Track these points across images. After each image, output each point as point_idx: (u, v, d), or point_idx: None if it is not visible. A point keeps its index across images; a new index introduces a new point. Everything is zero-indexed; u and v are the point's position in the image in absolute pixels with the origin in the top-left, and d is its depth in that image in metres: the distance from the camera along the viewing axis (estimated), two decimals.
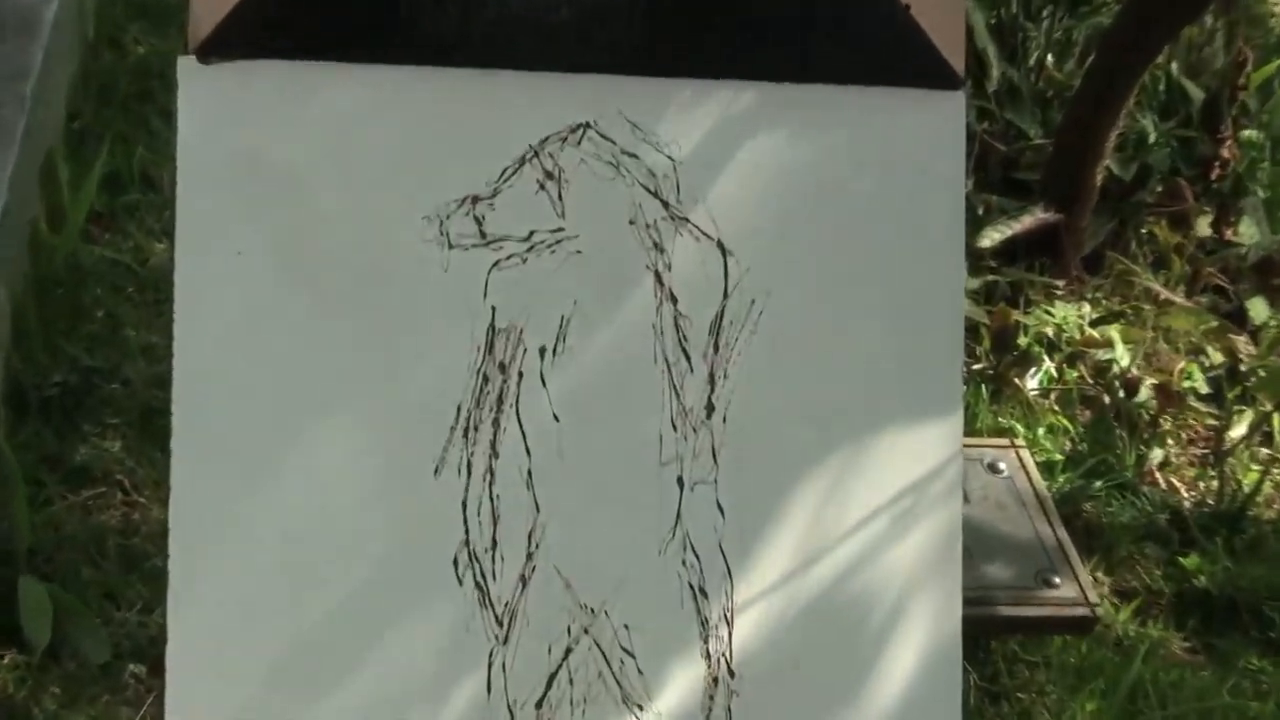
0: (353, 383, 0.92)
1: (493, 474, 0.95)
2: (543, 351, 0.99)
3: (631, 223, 0.99)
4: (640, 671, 0.89)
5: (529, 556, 0.93)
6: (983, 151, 2.25)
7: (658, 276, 1.00)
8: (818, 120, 0.98)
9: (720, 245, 1.00)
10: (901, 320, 0.97)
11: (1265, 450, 1.79)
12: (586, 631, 0.89)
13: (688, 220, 1.00)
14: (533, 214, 0.98)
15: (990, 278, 2.03)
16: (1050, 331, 1.93)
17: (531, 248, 0.98)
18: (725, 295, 1.00)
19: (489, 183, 0.99)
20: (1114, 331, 1.87)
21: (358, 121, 0.94)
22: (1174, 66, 2.15)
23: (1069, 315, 1.93)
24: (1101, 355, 1.86)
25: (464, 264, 0.98)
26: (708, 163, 1.00)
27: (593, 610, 0.89)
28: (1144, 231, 2.07)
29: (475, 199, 0.98)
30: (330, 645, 0.85)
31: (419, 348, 0.93)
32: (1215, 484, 1.74)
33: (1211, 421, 1.83)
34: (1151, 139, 2.10)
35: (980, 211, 2.31)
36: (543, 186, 0.99)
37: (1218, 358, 1.84)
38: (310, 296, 0.91)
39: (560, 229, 0.99)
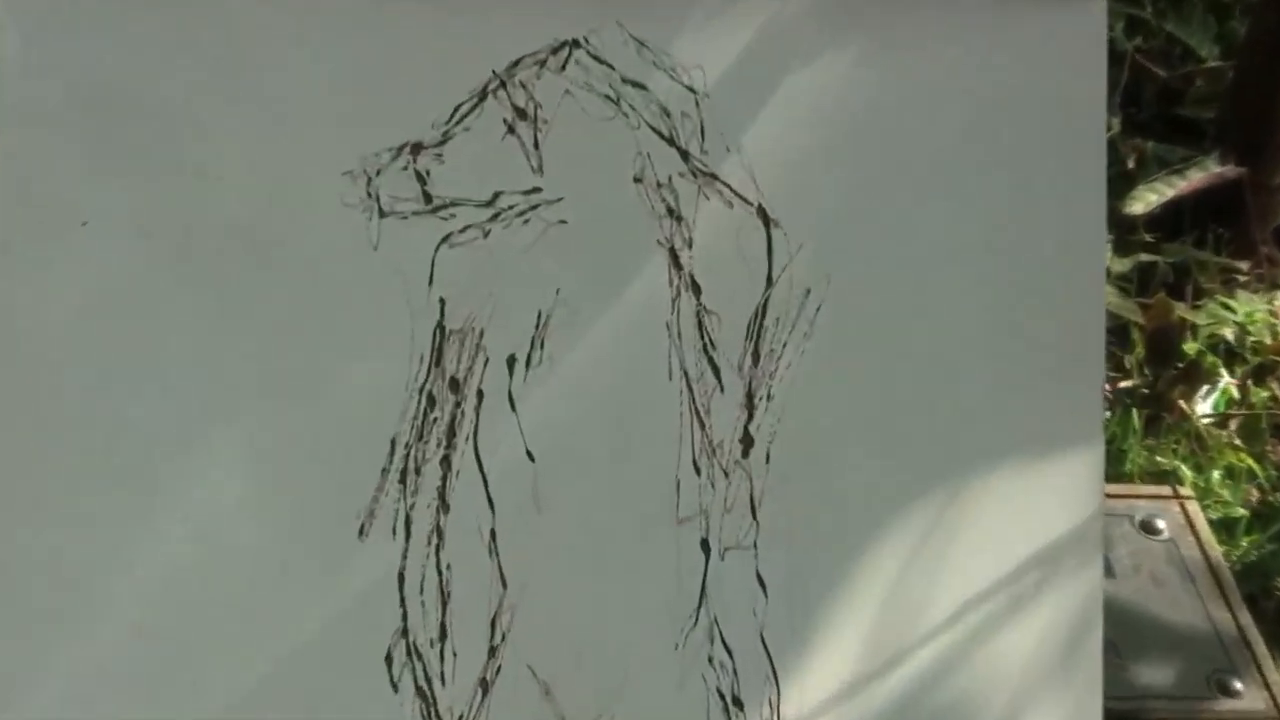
0: (244, 406, 0.94)
1: (441, 535, 0.97)
2: (512, 363, 1.03)
3: (637, 180, 1.05)
4: None
5: (492, 652, 0.94)
6: (1134, 79, 2.23)
7: (674, 256, 1.06)
8: (897, 36, 1.04)
9: (762, 212, 1.07)
10: (1017, 319, 1.03)
11: None
12: None
13: (716, 177, 1.06)
14: (498, 168, 1.04)
15: (1144, 257, 2.01)
16: (1230, 334, 1.97)
17: (496, 216, 1.04)
18: (769, 283, 1.07)
19: (436, 124, 1.04)
20: None
21: (250, 40, 0.97)
22: None
23: (1256, 311, 1.92)
24: None
25: (401, 238, 1.03)
26: (745, 95, 1.07)
27: None
28: None
29: (417, 147, 1.03)
30: None
31: (337, 357, 0.97)
32: None
33: None
34: None
35: (1130, 164, 2.29)
36: (512, 130, 1.05)
37: None
38: (185, 284, 0.94)
39: (537, 189, 1.04)
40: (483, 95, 1.06)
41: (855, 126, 1.08)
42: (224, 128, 0.99)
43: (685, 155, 1.08)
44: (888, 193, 1.07)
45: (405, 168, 1.05)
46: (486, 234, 1.05)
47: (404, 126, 1.05)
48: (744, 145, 1.09)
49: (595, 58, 1.08)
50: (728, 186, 1.09)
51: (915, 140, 1.07)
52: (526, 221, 1.06)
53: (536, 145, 1.06)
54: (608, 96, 1.08)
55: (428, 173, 1.05)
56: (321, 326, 0.99)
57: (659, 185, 1.08)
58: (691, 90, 1.07)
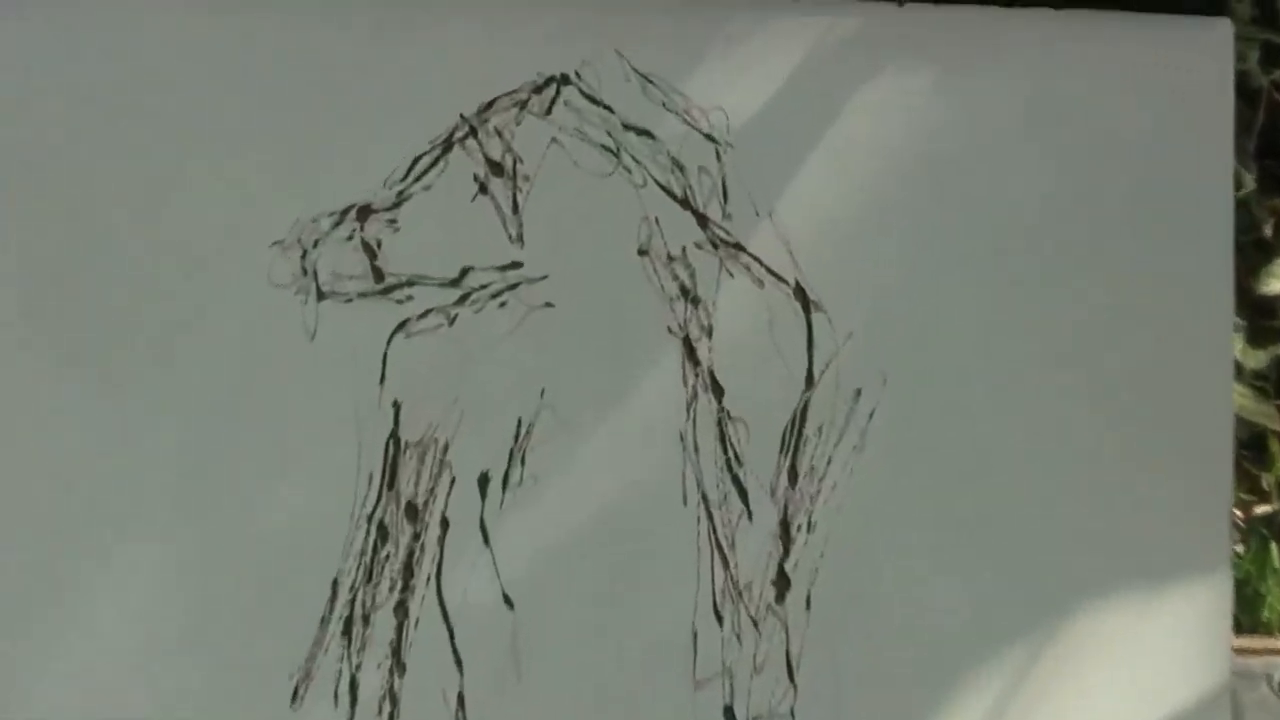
0: (154, 529, 0.96)
1: (395, 702, 0.98)
2: (485, 483, 1.04)
3: (642, 252, 1.07)
4: None
5: None
6: (1272, 122, 2.24)
7: (689, 349, 1.08)
8: (970, 68, 1.07)
9: (800, 292, 1.09)
10: (1124, 428, 1.04)
11: None
12: None
13: (742, 248, 1.09)
14: (466, 237, 1.06)
15: None
16: None
17: (464, 298, 1.05)
18: (809, 383, 1.09)
19: (389, 182, 1.07)
20: None
21: (161, 66, 1.00)
22: None
23: None
24: None
25: (345, 326, 1.05)
26: (777, 145, 1.09)
27: None
28: None
29: (365, 211, 1.05)
30: None
31: (265, 474, 0.97)
32: None
33: None
34: None
35: (1267, 230, 2.29)
36: (484, 188, 1.08)
37: None
38: (81, 379, 0.96)
39: (515, 264, 1.07)
40: (447, 145, 1.08)
41: (917, 184, 1.10)
42: (126, 184, 1.01)
43: (703, 221, 1.10)
44: (958, 268, 1.10)
45: (350, 236, 1.06)
46: (452, 320, 1.06)
47: (349, 184, 1.07)
48: (776, 208, 1.11)
49: (589, 98, 1.09)
50: (756, 260, 1.11)
51: (993, 202, 1.08)
52: (503, 304, 1.08)
53: (515, 208, 1.08)
54: (605, 146, 1.10)
55: (378, 243, 1.06)
56: (246, 435, 1.01)
57: (670, 259, 1.10)
58: (711, 139, 1.10)
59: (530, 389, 1.05)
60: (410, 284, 1.07)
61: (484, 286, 1.07)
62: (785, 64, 1.09)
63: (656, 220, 1.11)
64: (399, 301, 1.07)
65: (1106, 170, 1.08)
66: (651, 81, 1.10)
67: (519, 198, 1.09)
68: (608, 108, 1.10)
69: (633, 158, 1.10)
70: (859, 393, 1.09)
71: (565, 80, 1.10)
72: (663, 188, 1.09)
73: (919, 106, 1.09)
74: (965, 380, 1.08)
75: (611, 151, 1.10)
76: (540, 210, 1.10)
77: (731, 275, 1.11)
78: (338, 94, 1.05)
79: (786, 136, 1.10)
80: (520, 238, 1.10)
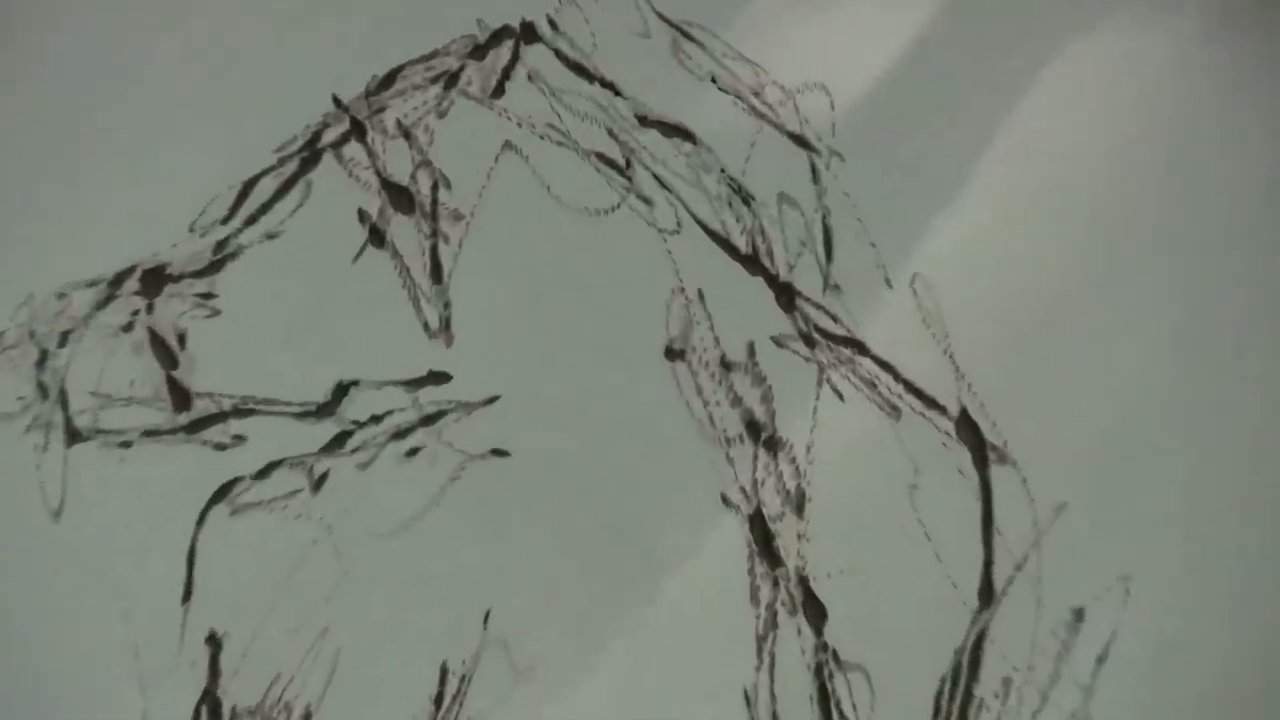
0: None
1: None
2: None
3: (674, 354, 0.84)
4: None
5: None
6: None
7: (759, 536, 0.83)
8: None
9: (970, 428, 0.85)
10: None
11: None
12: None
13: (861, 349, 0.84)
14: (345, 323, 0.85)
15: None
16: None
17: (342, 440, 0.82)
18: (988, 598, 0.83)
19: (200, 223, 0.87)
20: None
21: None
22: None
23: None
24: None
25: (118, 490, 0.84)
26: (923, 150, 0.87)
27: None
28: None
29: (155, 278, 0.84)
30: None
31: None
32: None
33: None
34: None
35: None
36: (377, 233, 0.82)
37: None
38: None
39: (438, 376, 0.83)
40: (309, 154, 0.84)
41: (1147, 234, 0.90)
42: None
43: (787, 294, 0.83)
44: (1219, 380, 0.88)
45: (128, 325, 0.85)
46: (318, 481, 0.84)
47: (123, 229, 0.85)
48: (923, 273, 0.85)
49: (573, 65, 0.84)
50: (887, 369, 0.84)
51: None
52: (413, 451, 0.84)
53: (437, 272, 0.84)
54: (604, 157, 0.83)
55: (182, 337, 0.84)
56: None
57: (726, 365, 0.83)
58: (801, 142, 0.85)
59: (465, 606, 0.82)
60: (242, 413, 0.83)
61: (378, 418, 0.82)
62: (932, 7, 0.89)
63: (700, 294, 0.82)
64: (218, 447, 0.83)
65: None
66: (689, 36, 0.83)
67: (443, 250, 0.82)
68: (609, 85, 0.83)
69: (654, 177, 0.83)
70: (1080, 613, 0.82)
71: (529, 33, 0.83)
72: (710, 232, 0.83)
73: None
74: (1225, 578, 0.86)
75: (615, 166, 0.82)
76: (484, 274, 0.82)
77: (840, 396, 0.83)
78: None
79: (938, 137, 0.86)
80: (446, 327, 0.82)
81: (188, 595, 0.82)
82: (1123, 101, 0.94)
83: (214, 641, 0.83)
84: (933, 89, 0.91)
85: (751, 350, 0.84)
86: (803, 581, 0.83)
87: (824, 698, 0.83)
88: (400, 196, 0.83)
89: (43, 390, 0.84)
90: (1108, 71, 0.94)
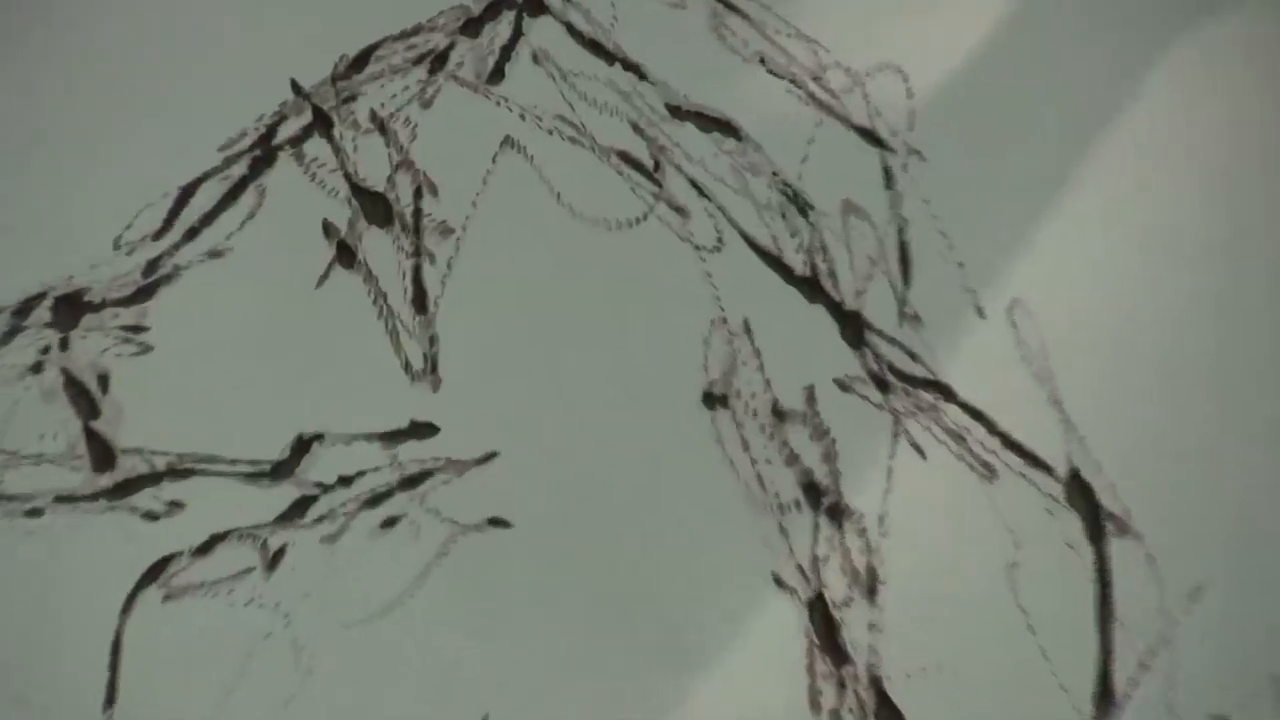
0: None
1: None
2: None
3: (714, 400, 0.77)
4: None
5: None
6: None
7: (822, 627, 0.72)
8: None
9: (1083, 491, 0.77)
10: None
11: None
12: None
13: (947, 393, 0.77)
14: (307, 363, 0.75)
15: None
16: None
17: (303, 508, 0.72)
18: (1105, 703, 0.71)
19: (126, 238, 0.75)
20: None
21: None
22: None
23: None
24: None
25: (35, 560, 0.79)
26: (1018, 150, 0.80)
27: None
28: None
29: (72, 305, 0.75)
30: None
31: None
32: None
33: None
34: None
35: None
36: (346, 251, 0.77)
37: None
38: None
39: (424, 428, 0.74)
40: (263, 151, 0.75)
41: None
42: None
43: (854, 327, 0.73)
44: None
45: (35, 365, 0.74)
46: (273, 559, 0.73)
47: (32, 246, 0.75)
48: (1024, 298, 0.75)
49: (587, 41, 0.74)
50: (979, 418, 0.74)
51: None
52: (390, 523, 0.73)
53: (422, 300, 0.74)
54: (626, 156, 0.74)
55: (104, 378, 0.74)
56: None
57: (778, 414, 0.73)
58: (872, 138, 0.76)
59: (455, 711, 0.71)
60: (179, 473, 0.71)
61: (347, 480, 0.72)
62: None
63: (746, 326, 0.73)
64: (149, 515, 0.72)
65: None
66: (733, 6, 0.75)
67: (428, 272, 0.73)
68: (634, 68, 0.74)
69: (690, 181, 0.73)
70: None
71: (534, 3, 0.74)
72: (758, 249, 0.73)
73: None
74: None
75: (640, 168, 0.73)
76: (479, 302, 0.74)
77: (920, 453, 0.72)
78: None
79: (1039, 131, 0.77)
80: (432, 368, 0.73)
81: (110, 701, 0.72)
82: (1257, 95, 0.84)
83: None
84: (1032, 72, 0.82)
85: (810, 396, 0.76)
86: (875, 683, 0.75)
87: None
88: (375, 205, 0.75)
89: None
90: (1240, 57, 0.85)
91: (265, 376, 0.78)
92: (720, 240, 0.77)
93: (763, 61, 0.78)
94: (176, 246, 0.77)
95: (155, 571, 0.75)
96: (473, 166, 0.78)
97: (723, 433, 0.76)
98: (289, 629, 0.75)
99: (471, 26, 0.78)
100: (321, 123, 0.78)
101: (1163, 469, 0.76)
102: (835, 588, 0.74)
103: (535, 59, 0.78)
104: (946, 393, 0.76)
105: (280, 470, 0.76)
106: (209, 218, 0.77)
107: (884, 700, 0.73)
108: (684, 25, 0.80)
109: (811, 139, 0.79)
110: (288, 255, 0.77)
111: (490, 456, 0.76)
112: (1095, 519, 0.75)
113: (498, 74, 0.77)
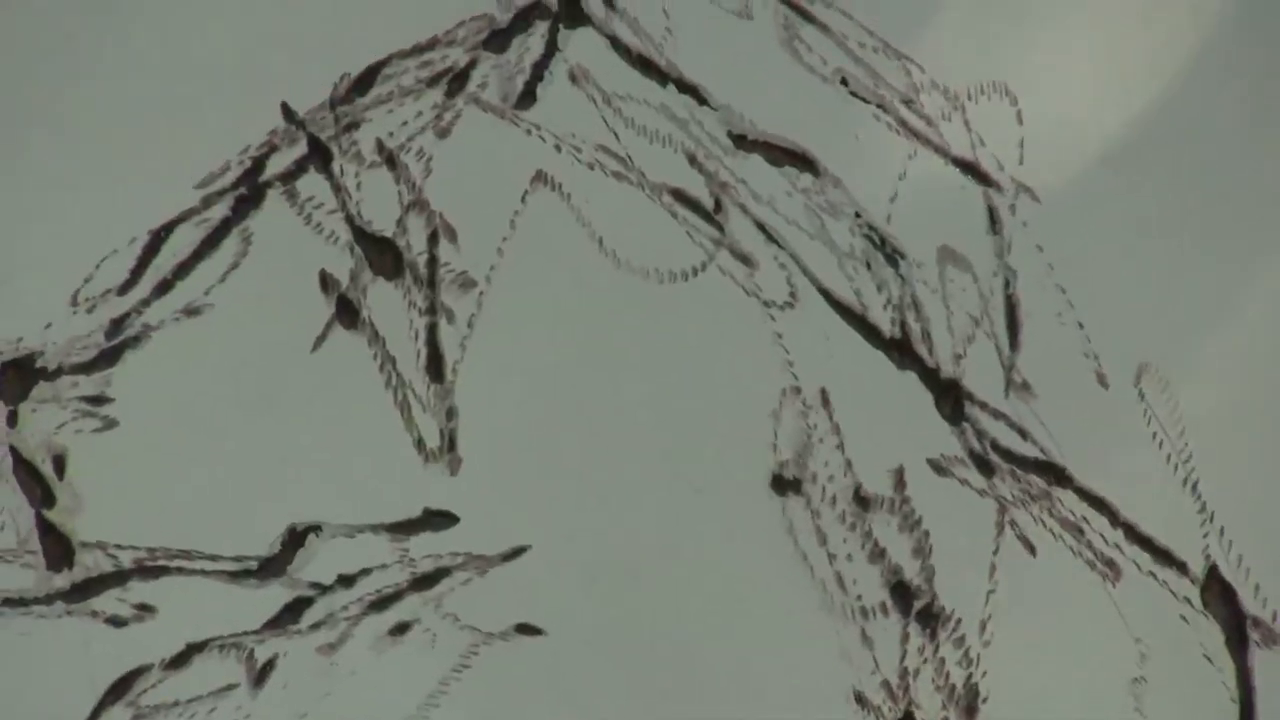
0: None
1: None
2: None
3: (785, 485, 0.68)
4: None
5: None
6: None
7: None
8: None
9: (1226, 597, 0.68)
10: None
11: None
12: None
13: (1064, 477, 0.68)
14: (311, 441, 0.69)
15: None
16: None
17: (297, 611, 0.66)
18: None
19: (85, 293, 0.68)
20: None
21: None
22: None
23: None
24: None
25: None
26: (1149, 192, 0.71)
27: None
28: None
29: (23, 371, 0.68)
30: None
31: None
32: None
33: None
34: None
35: None
36: (348, 310, 0.68)
37: None
38: None
39: (443, 516, 0.67)
40: (251, 191, 0.68)
41: None
42: None
43: (951, 397, 0.67)
44: None
45: None
46: (260, 676, 0.66)
47: None
48: (1154, 363, 0.68)
49: (634, 58, 0.67)
50: (1104, 509, 0.67)
51: None
52: (403, 629, 0.66)
53: (438, 368, 0.67)
54: (682, 195, 0.67)
55: (60, 459, 0.67)
56: None
57: (861, 501, 0.66)
58: (973, 173, 0.70)
59: None
60: (149, 571, 0.65)
61: (348, 580, 0.65)
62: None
63: (824, 396, 0.66)
64: (114, 621, 0.66)
65: None
66: (809, 16, 0.67)
67: (445, 333, 0.67)
68: (690, 89, 0.67)
69: (757, 225, 0.66)
70: None
71: (572, 11, 0.67)
72: (839, 306, 0.67)
73: None
74: None
75: (699, 209, 0.66)
76: (505, 369, 0.67)
77: (1030, 549, 0.66)
78: None
79: (1168, 163, 0.70)
80: (450, 446, 0.66)
81: None
82: None
83: None
84: (1165, 97, 0.77)
85: (899, 479, 0.72)
86: None
87: None
88: (382, 253, 0.73)
89: None
90: None
91: (251, 457, 0.75)
92: (793, 295, 0.74)
93: (844, 82, 0.75)
94: (145, 302, 0.73)
95: (121, 688, 0.71)
96: (498, 207, 0.75)
97: (795, 523, 0.72)
98: None
99: (497, 40, 0.77)
100: (318, 155, 0.76)
101: None
102: (928, 707, 0.71)
103: (573, 79, 0.76)
104: (1061, 476, 0.72)
105: (269, 568, 0.73)
106: (184, 268, 0.73)
107: None
108: (751, 39, 0.77)
109: (902, 174, 0.75)
110: (278, 313, 0.74)
111: (519, 552, 0.74)
112: (1237, 626, 0.72)
113: (528, 97, 0.75)
